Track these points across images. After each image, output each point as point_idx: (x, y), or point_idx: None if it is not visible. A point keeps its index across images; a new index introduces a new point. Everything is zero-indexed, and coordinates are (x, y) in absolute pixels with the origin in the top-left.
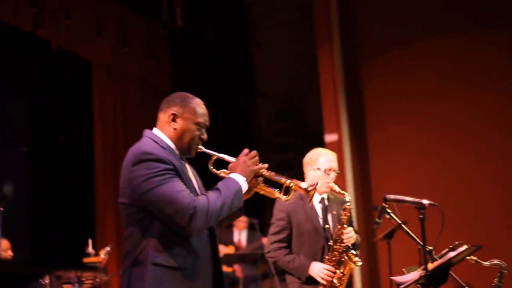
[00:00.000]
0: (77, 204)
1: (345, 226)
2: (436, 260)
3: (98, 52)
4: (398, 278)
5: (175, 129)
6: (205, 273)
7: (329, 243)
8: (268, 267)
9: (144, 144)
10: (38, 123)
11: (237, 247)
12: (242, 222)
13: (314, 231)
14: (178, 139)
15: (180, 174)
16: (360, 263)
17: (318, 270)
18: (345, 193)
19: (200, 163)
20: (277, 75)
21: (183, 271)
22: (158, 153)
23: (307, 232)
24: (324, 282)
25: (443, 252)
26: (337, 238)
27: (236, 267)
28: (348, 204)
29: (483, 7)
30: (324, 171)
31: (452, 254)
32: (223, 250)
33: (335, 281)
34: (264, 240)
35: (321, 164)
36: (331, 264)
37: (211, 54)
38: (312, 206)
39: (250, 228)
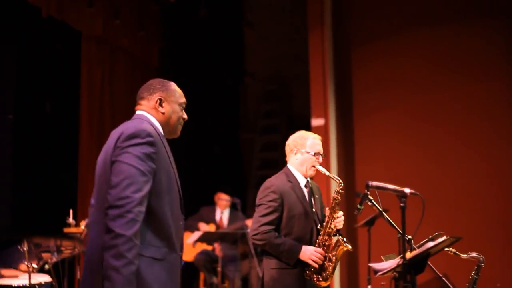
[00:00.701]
0: (60, 174)
1: (336, 210)
2: (415, 249)
3: (88, 23)
4: (376, 265)
5: (163, 113)
6: (178, 263)
7: (318, 227)
8: (248, 247)
9: (143, 124)
10: (25, 91)
11: (218, 226)
12: (225, 201)
13: (304, 214)
14: (166, 122)
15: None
16: (350, 248)
17: (310, 253)
18: (335, 176)
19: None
20: (267, 56)
21: (163, 262)
22: (155, 137)
23: (298, 215)
24: (316, 265)
25: (423, 242)
26: (328, 221)
27: (216, 245)
28: (340, 188)
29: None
30: (314, 155)
31: (430, 244)
32: (204, 228)
33: (326, 264)
34: (248, 222)
35: (309, 148)
36: (322, 248)
37: (202, 31)
38: (301, 189)
39: (232, 208)
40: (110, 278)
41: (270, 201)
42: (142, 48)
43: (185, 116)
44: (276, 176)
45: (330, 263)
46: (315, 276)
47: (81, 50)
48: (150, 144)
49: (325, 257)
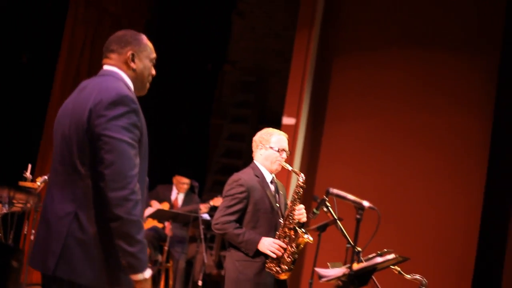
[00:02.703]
0: (25, 127)
1: (296, 203)
2: (362, 262)
3: None
4: (322, 271)
5: (134, 69)
6: None
7: (280, 221)
8: (198, 231)
9: (122, 87)
10: (3, 39)
11: (172, 206)
12: (185, 184)
13: (270, 210)
14: (137, 78)
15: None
16: (311, 240)
17: (268, 244)
18: (298, 171)
19: None
20: (251, 47)
21: None
22: (137, 104)
23: (263, 210)
24: (274, 256)
25: (371, 256)
26: (289, 214)
27: (167, 224)
28: (301, 181)
29: (466, 30)
30: (278, 150)
31: (379, 259)
32: (156, 206)
33: (285, 256)
34: (202, 206)
35: (273, 144)
36: (282, 240)
37: (192, 11)
38: (268, 184)
39: (190, 190)
40: (131, 264)
41: (236, 193)
42: (129, 17)
43: (153, 72)
44: (244, 171)
45: (289, 256)
46: (274, 268)
47: (68, 10)
48: (135, 112)
49: (284, 249)
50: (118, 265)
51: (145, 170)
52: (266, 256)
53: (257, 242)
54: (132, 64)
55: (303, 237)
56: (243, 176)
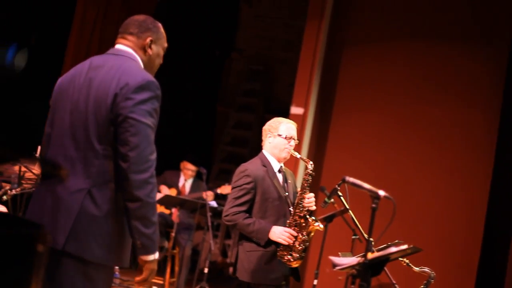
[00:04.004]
0: (35, 109)
1: (306, 191)
2: (374, 252)
3: None
4: (336, 259)
5: (150, 55)
6: None
7: (290, 209)
8: (205, 219)
9: (145, 72)
10: (11, 20)
11: (179, 192)
12: (190, 171)
13: (278, 199)
14: (149, 65)
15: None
16: (321, 227)
17: (279, 232)
18: (306, 159)
19: None
20: (259, 35)
21: None
22: (160, 90)
23: (271, 199)
24: (285, 243)
25: (384, 246)
26: (298, 202)
27: (174, 211)
28: (310, 169)
29: (472, 22)
30: (286, 138)
31: (393, 249)
32: (165, 191)
33: (296, 244)
34: (209, 194)
35: (282, 131)
36: (293, 228)
37: None
38: (275, 174)
39: (197, 177)
40: (145, 245)
41: (245, 183)
42: (140, 1)
43: (161, 61)
44: (251, 161)
45: (300, 244)
46: (286, 257)
47: None
48: (158, 98)
49: (295, 237)
50: (125, 243)
51: None
52: (277, 245)
53: (268, 230)
54: (149, 50)
55: (313, 225)
56: (250, 166)
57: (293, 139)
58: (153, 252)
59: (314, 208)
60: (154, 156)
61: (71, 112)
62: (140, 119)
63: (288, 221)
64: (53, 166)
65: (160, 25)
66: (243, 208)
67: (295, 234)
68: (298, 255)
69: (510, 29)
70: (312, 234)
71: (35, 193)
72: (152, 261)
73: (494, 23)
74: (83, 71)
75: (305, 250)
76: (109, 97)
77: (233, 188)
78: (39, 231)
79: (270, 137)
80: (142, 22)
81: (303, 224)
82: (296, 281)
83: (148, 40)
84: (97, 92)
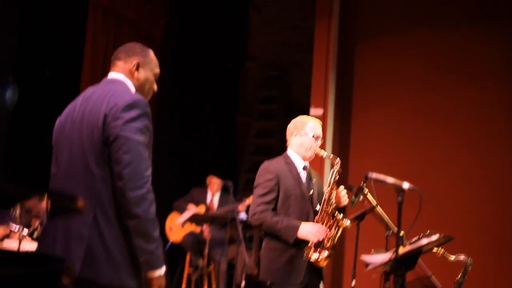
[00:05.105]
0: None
1: (335, 186)
2: (406, 246)
3: None
4: (368, 258)
5: (138, 79)
6: None
7: (316, 209)
8: (236, 232)
9: (133, 92)
10: (26, 55)
11: (208, 208)
12: (216, 184)
13: (301, 196)
14: (139, 88)
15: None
16: (349, 224)
17: (310, 228)
18: (333, 156)
19: None
20: (270, 41)
21: None
22: (149, 108)
23: (294, 196)
24: (315, 240)
25: (415, 239)
26: (327, 199)
27: (205, 228)
28: (338, 166)
29: (483, 4)
30: (313, 137)
31: (424, 241)
32: (193, 209)
33: (325, 241)
34: (240, 207)
35: (309, 130)
36: (322, 224)
37: (209, 10)
38: (298, 172)
39: (224, 190)
40: (148, 261)
41: (268, 180)
42: (148, 21)
43: (155, 88)
44: (274, 159)
45: (329, 240)
46: (313, 254)
47: (88, 19)
48: (148, 115)
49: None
50: (136, 262)
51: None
52: (303, 245)
53: (297, 227)
54: (136, 73)
55: (342, 222)
56: (272, 163)
57: (320, 137)
58: (158, 267)
59: (346, 203)
60: (149, 172)
61: (70, 145)
62: (131, 136)
63: (316, 217)
64: (70, 199)
65: (149, 50)
66: (271, 206)
67: (326, 230)
68: (327, 252)
69: None
70: (340, 231)
71: (45, 228)
72: (159, 277)
73: (505, 3)
74: (77, 105)
75: (333, 247)
76: (100, 120)
77: (256, 186)
78: (63, 265)
79: (296, 135)
80: (130, 47)
81: (332, 221)
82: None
83: (134, 63)
84: (89, 118)
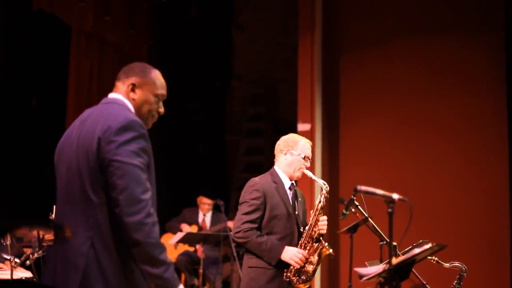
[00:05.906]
0: (43, 170)
1: (321, 212)
2: (399, 256)
3: (79, 18)
4: (361, 270)
5: (133, 99)
6: None
7: (300, 230)
8: (230, 250)
9: (129, 113)
10: (10, 84)
11: (200, 228)
12: (207, 205)
13: (287, 216)
14: (137, 110)
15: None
16: (332, 253)
17: (292, 253)
18: (322, 180)
19: None
20: (255, 59)
21: None
22: (145, 129)
23: (280, 216)
24: (297, 266)
25: (408, 248)
26: (312, 224)
27: (198, 247)
28: (326, 191)
29: (468, 11)
30: (304, 158)
31: (417, 250)
32: (187, 229)
33: (306, 266)
34: (230, 224)
35: (300, 150)
36: (304, 250)
37: (192, 31)
38: (285, 191)
39: (215, 209)
40: (159, 286)
41: (253, 199)
42: (132, 45)
43: (161, 110)
44: (261, 176)
45: (310, 266)
46: (294, 278)
47: (71, 45)
48: (144, 137)
49: (306, 259)
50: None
51: (155, 195)
52: (284, 265)
53: (280, 251)
54: (131, 94)
55: (326, 249)
56: (260, 181)
57: (309, 159)
58: None
59: (324, 232)
60: (147, 195)
61: (67, 169)
62: (124, 160)
63: (300, 242)
64: (58, 228)
65: (152, 71)
66: (255, 225)
67: (307, 256)
68: (306, 277)
69: (502, 14)
70: (323, 257)
71: (47, 255)
72: None
73: (486, 10)
74: (75, 126)
75: (314, 273)
76: (94, 144)
77: (242, 203)
78: None
79: (286, 153)
80: (131, 67)
81: (314, 247)
82: None
83: (130, 84)
84: (84, 142)
